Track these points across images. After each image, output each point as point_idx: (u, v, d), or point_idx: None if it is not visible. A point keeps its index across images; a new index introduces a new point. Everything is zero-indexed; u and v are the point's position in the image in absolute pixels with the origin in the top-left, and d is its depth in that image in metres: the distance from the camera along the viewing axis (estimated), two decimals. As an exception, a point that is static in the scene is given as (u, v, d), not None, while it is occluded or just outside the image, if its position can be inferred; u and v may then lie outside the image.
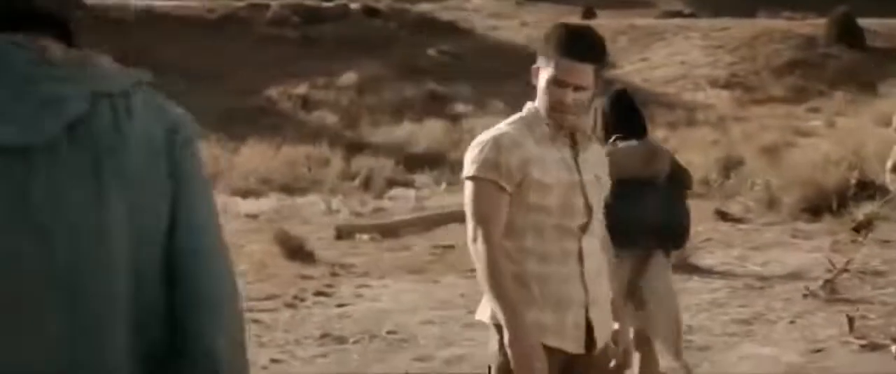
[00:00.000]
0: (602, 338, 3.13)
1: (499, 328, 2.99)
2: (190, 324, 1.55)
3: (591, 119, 3.17)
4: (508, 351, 2.90)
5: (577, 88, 2.96)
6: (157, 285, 1.55)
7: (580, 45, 2.97)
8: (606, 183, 3.21)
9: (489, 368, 3.10)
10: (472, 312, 7.46)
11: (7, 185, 1.44)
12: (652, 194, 4.57)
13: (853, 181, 12.48)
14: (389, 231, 12.28)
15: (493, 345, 3.05)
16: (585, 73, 2.95)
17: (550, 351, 2.98)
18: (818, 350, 6.53)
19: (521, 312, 2.92)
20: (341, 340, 6.96)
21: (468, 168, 3.01)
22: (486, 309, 3.08)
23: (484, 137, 3.04)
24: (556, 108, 2.99)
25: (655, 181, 4.63)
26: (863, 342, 6.69)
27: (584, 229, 3.06)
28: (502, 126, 3.07)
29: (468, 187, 3.02)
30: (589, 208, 3.06)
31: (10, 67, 1.48)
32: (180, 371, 1.55)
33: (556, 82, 2.97)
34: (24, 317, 1.44)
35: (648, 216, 4.50)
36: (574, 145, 3.09)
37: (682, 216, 4.77)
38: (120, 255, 1.51)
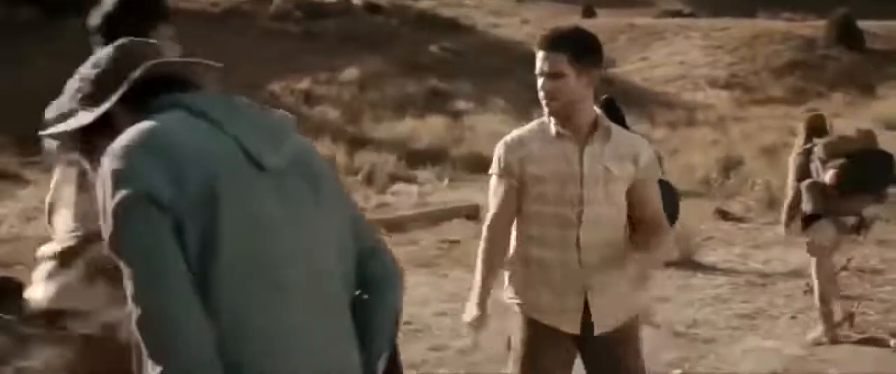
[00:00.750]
0: (603, 324, 3.36)
1: (519, 305, 3.44)
2: (384, 276, 2.19)
3: (588, 110, 3.41)
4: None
5: (552, 76, 3.28)
6: (352, 257, 2.14)
7: (549, 37, 3.34)
8: (628, 175, 3.39)
9: (509, 339, 3.50)
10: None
11: (274, 197, 1.98)
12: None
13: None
14: (395, 226, 12.43)
15: (513, 321, 3.45)
16: (556, 61, 3.27)
17: (551, 329, 3.37)
18: (819, 344, 6.74)
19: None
20: (357, 330, 7.14)
21: (491, 167, 3.48)
22: (507, 290, 3.49)
23: (503, 139, 3.49)
24: (541, 97, 3.34)
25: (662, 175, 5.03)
26: (862, 336, 6.91)
27: (580, 217, 3.31)
28: (521, 129, 3.50)
29: (490, 181, 3.49)
30: (583, 198, 3.32)
31: (244, 112, 2.04)
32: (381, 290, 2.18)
33: (536, 73, 3.34)
34: (285, 294, 1.95)
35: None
36: (584, 140, 3.33)
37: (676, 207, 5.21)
38: (338, 250, 2.09)
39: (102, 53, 2.11)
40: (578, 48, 3.30)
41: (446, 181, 17.58)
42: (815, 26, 34.94)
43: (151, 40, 2.18)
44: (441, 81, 29.12)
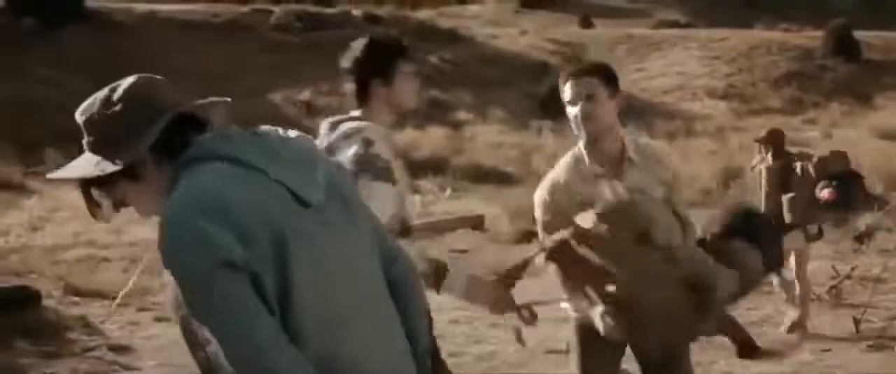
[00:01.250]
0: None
1: (575, 313, 3.67)
2: (406, 277, 2.33)
3: (617, 137, 3.59)
4: None
5: (588, 98, 3.45)
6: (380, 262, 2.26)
7: (577, 67, 3.63)
8: (658, 198, 3.54)
9: (567, 344, 3.84)
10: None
11: (322, 231, 2.05)
12: None
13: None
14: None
15: (570, 327, 3.74)
16: (590, 84, 3.46)
17: (602, 336, 3.52)
18: (826, 350, 6.91)
19: None
20: (374, 337, 7.27)
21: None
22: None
23: (540, 187, 3.67)
24: (577, 123, 3.50)
25: None
26: (867, 342, 7.08)
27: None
28: (559, 163, 3.65)
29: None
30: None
31: (277, 150, 2.07)
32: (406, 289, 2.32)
33: (567, 102, 3.51)
34: (349, 317, 2.08)
35: None
36: (616, 167, 3.49)
37: None
38: (373, 260, 2.21)
39: (116, 92, 2.08)
40: (607, 73, 3.53)
41: (448, 191, 17.69)
42: (812, 37, 35.16)
43: (159, 77, 2.16)
44: (441, 92, 29.27)
